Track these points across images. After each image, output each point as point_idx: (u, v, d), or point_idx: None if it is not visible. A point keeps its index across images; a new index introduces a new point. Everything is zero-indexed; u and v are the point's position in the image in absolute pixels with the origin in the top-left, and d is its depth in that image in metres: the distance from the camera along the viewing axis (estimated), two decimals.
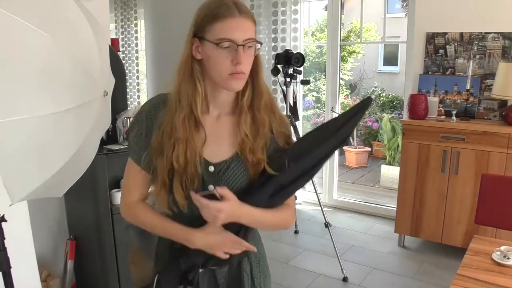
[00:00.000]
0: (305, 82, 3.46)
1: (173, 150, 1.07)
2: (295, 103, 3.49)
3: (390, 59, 11.45)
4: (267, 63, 4.50)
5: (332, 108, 4.32)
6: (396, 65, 11.25)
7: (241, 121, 1.13)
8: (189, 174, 1.08)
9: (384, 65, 11.65)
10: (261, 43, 1.11)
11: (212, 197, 1.04)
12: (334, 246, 3.04)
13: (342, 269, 2.99)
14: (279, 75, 3.32)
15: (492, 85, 3.23)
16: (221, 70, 1.05)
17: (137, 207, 1.19)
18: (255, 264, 1.27)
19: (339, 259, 3.03)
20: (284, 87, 3.29)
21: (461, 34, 3.38)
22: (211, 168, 1.12)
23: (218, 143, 1.13)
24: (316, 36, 9.38)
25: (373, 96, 9.16)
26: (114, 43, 3.38)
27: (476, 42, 3.33)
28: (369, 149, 7.06)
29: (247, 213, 1.10)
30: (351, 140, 7.14)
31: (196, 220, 1.10)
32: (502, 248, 1.73)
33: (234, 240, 1.11)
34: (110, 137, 2.39)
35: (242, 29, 1.04)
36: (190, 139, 1.08)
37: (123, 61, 5.65)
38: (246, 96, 1.13)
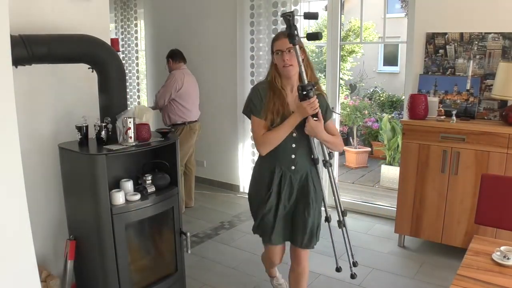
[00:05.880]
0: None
1: (273, 105, 2.11)
2: None
3: (390, 59, 11.46)
4: (267, 63, 4.50)
5: (332, 108, 4.31)
6: (396, 65, 11.26)
7: None
8: (285, 114, 2.11)
9: (384, 65, 11.66)
10: (303, 49, 2.09)
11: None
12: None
13: (350, 266, 2.45)
14: None
15: (492, 85, 3.23)
16: (279, 65, 2.10)
17: (265, 134, 2.12)
18: (315, 179, 2.21)
19: (349, 257, 2.46)
20: None
21: (461, 34, 3.38)
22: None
23: (294, 102, 2.12)
24: None
25: (372, 97, 9.16)
26: (114, 43, 3.37)
27: (476, 42, 3.33)
28: (369, 149, 7.06)
29: (323, 131, 2.10)
30: (351, 141, 7.14)
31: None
32: (502, 248, 1.73)
33: (307, 102, 2.02)
34: (110, 137, 2.38)
35: (284, 43, 2.05)
36: (283, 101, 2.13)
37: (123, 61, 5.65)
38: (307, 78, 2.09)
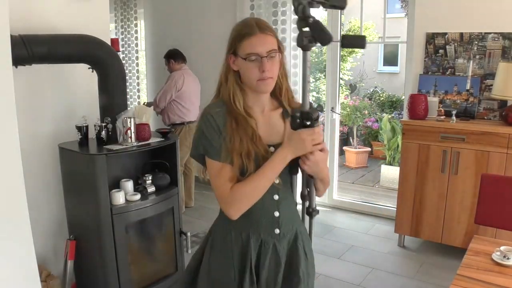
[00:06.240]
0: None
1: (240, 144, 1.29)
2: None
3: (390, 59, 11.45)
4: None
5: (332, 108, 4.31)
6: (396, 65, 11.26)
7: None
8: (259, 155, 1.30)
9: (384, 65, 11.66)
10: (282, 52, 1.34)
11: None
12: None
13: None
14: None
15: (492, 85, 3.23)
16: (251, 77, 1.29)
17: (236, 188, 1.30)
18: (306, 240, 1.46)
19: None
20: None
21: (461, 34, 3.38)
22: (272, 149, 1.33)
23: (269, 131, 1.36)
24: None
25: (372, 97, 9.16)
26: (114, 43, 3.38)
27: (476, 42, 3.33)
28: (369, 149, 7.06)
29: (326, 168, 1.36)
30: (351, 140, 7.14)
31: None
32: (502, 248, 1.73)
33: (309, 132, 1.26)
34: (110, 137, 2.39)
35: (264, 44, 1.28)
36: (252, 135, 1.31)
37: (123, 61, 5.65)
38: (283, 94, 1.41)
